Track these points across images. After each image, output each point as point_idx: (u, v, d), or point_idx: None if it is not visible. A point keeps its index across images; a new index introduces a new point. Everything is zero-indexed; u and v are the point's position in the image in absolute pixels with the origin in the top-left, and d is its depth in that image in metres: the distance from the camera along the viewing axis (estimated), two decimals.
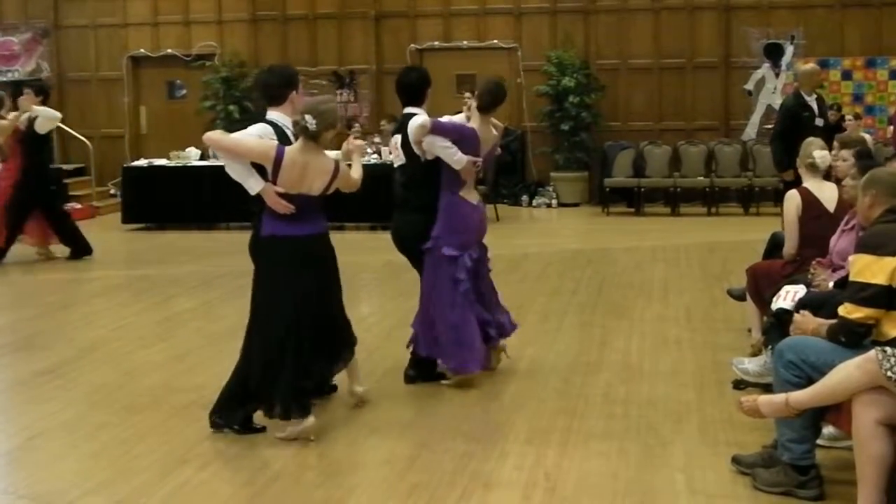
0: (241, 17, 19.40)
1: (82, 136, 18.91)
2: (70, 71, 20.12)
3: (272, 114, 6.48)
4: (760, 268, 7.64)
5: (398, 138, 7.24)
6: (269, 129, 6.36)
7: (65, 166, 18.84)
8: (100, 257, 14.45)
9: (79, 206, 17.65)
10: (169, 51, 19.56)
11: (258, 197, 6.18)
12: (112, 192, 18.86)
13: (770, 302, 6.35)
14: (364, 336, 8.71)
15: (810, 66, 12.06)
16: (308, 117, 6.05)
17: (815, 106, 11.11)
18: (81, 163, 19.13)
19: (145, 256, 13.84)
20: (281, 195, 6.10)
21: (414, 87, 7.26)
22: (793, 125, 10.72)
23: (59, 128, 18.97)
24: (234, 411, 6.25)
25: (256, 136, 6.28)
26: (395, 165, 7.39)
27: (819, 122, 11.04)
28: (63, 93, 19.85)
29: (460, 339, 7.11)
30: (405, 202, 7.34)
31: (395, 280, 11.12)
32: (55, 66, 20.01)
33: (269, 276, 6.22)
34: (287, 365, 6.05)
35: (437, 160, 7.09)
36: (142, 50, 19.82)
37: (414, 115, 7.14)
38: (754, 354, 7.19)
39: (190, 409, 6.73)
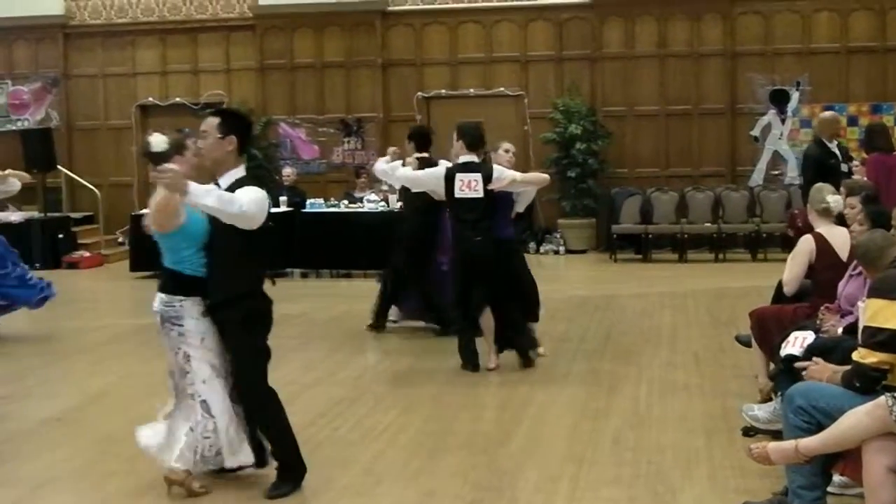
0: (249, 66, 19.53)
1: (91, 184, 19.01)
2: (79, 120, 20.24)
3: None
4: (767, 312, 7.60)
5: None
6: None
7: (73, 214, 18.97)
8: (107, 305, 14.50)
9: (87, 254, 17.73)
10: (177, 99, 19.67)
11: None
12: (120, 240, 18.92)
13: (779, 348, 6.33)
14: (370, 385, 8.74)
15: (830, 113, 12.13)
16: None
17: (838, 152, 11.13)
18: (90, 211, 19.21)
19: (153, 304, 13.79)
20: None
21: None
22: (821, 173, 10.66)
23: (67, 176, 19.19)
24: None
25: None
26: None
27: (844, 167, 11.04)
28: (72, 141, 19.98)
29: None
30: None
31: (403, 328, 11.12)
32: (64, 115, 20.14)
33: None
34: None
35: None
36: (150, 99, 19.95)
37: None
38: (764, 400, 7.17)
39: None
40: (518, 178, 9.14)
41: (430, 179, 9.30)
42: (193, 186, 5.51)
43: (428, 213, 10.39)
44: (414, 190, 9.94)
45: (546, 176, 9.93)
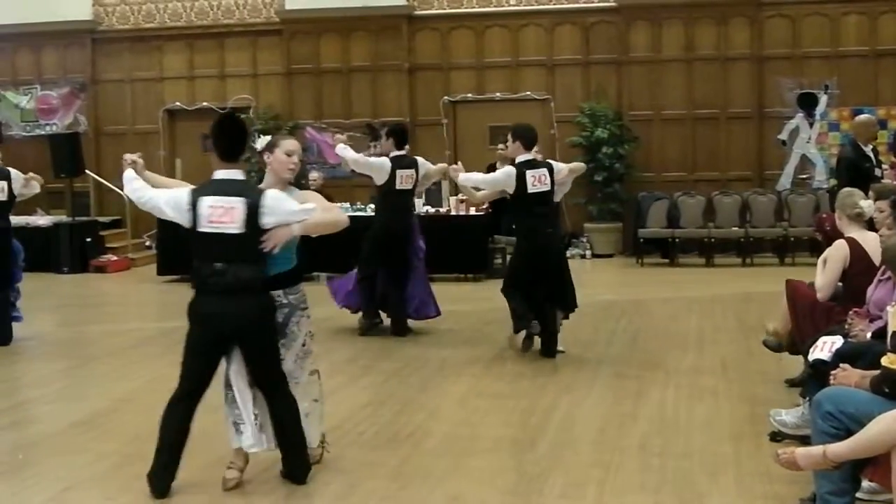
0: (275, 70, 19.59)
1: (118, 188, 19.01)
2: (107, 124, 20.34)
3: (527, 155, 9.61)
4: (803, 290, 7.61)
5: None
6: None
7: (101, 218, 19.07)
8: (135, 309, 14.56)
9: (115, 257, 17.82)
10: (204, 104, 19.69)
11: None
12: (147, 244, 19.01)
13: (807, 353, 6.29)
14: (396, 389, 8.74)
15: (866, 116, 12.07)
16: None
17: (872, 156, 11.08)
18: (118, 215, 19.29)
19: (180, 308, 13.78)
20: None
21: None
22: (856, 176, 10.62)
23: (95, 180, 19.27)
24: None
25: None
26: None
27: (878, 171, 11.00)
28: (100, 146, 20.07)
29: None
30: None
31: (425, 334, 11.12)
32: (92, 120, 20.25)
33: None
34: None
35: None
36: (177, 103, 20.04)
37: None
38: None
39: (224, 460, 6.70)
40: (572, 167, 10.22)
41: (505, 179, 9.76)
42: (125, 173, 6.72)
43: (401, 212, 11.06)
44: (483, 188, 10.48)
45: (583, 164, 11.25)
